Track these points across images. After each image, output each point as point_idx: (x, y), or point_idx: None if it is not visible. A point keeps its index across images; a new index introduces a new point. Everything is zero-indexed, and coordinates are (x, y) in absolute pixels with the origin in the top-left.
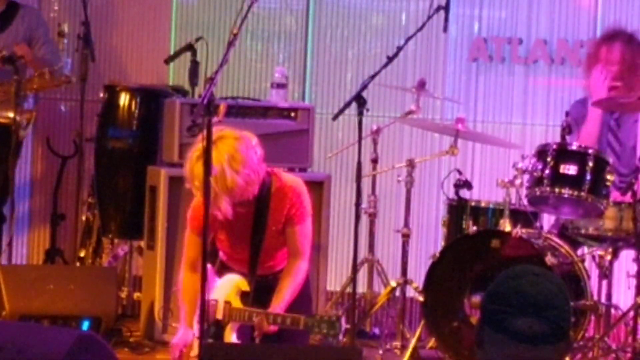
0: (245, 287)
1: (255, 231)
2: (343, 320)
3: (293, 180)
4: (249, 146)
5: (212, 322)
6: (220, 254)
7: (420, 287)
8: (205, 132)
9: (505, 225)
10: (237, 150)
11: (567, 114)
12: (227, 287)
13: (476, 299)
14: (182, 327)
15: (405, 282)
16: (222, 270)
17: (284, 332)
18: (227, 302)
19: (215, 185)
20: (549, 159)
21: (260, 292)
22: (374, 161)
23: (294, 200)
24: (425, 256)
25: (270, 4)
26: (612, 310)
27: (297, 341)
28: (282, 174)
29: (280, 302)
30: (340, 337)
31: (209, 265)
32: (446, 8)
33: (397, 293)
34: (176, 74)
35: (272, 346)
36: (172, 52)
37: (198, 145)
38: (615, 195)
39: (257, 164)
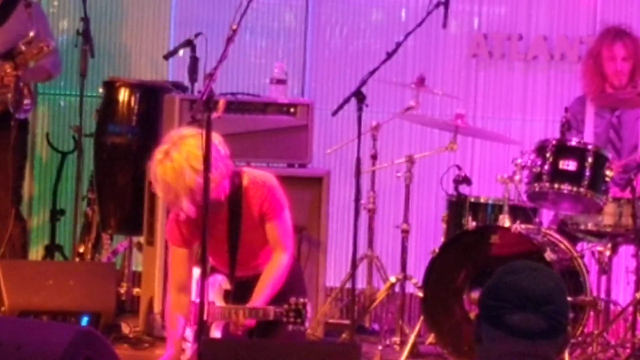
0: (227, 286)
1: (231, 230)
2: (309, 307)
3: (263, 175)
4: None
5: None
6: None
7: (420, 283)
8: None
9: (505, 221)
10: (198, 149)
11: (566, 110)
12: (212, 288)
13: (475, 294)
14: (169, 350)
15: (404, 277)
16: (213, 273)
17: (280, 329)
18: (211, 303)
19: (177, 186)
20: (548, 155)
21: (245, 291)
22: (374, 157)
23: (266, 195)
24: (424, 252)
25: None
26: (611, 306)
27: (295, 337)
28: (251, 171)
29: (259, 296)
30: (307, 324)
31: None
32: (446, 4)
33: (397, 289)
34: (175, 70)
35: (270, 342)
36: (171, 48)
37: (161, 147)
38: (614, 191)
39: (221, 163)
